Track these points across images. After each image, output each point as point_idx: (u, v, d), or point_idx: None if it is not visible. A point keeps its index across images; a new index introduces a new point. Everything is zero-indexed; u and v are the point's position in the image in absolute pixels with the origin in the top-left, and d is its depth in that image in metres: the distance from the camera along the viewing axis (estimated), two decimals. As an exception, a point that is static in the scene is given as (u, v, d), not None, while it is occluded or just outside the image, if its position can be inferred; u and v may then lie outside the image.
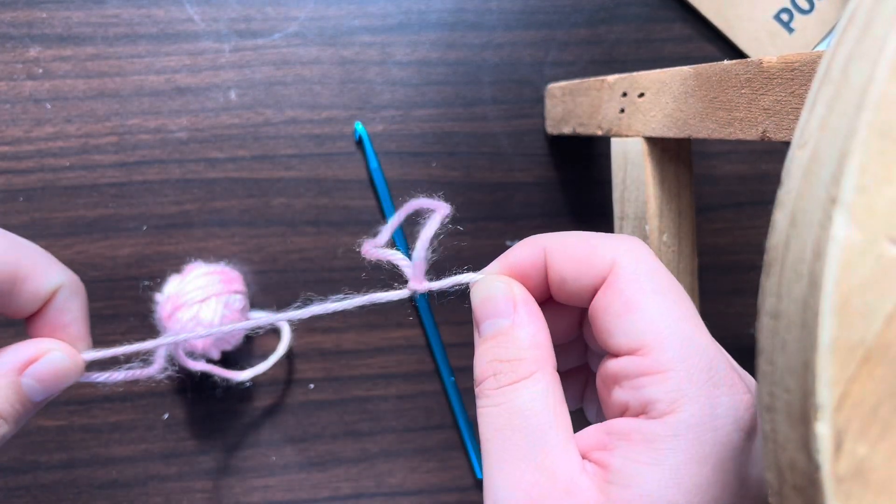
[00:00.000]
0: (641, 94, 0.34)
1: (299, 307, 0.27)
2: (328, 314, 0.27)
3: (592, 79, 0.39)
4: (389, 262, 0.27)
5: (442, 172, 0.44)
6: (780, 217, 0.15)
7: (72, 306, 0.26)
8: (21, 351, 0.25)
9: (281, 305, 0.43)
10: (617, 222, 0.37)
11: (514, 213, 0.45)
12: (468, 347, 0.27)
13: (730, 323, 0.47)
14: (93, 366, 0.27)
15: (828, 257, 0.13)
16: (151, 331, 0.41)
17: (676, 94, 0.32)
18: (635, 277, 0.23)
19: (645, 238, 0.35)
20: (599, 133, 0.38)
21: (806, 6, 0.45)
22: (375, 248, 0.27)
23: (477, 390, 0.24)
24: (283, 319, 0.27)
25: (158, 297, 0.40)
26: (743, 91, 0.28)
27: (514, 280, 0.25)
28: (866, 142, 0.13)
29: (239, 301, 0.40)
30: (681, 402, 0.21)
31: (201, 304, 0.38)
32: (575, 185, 0.45)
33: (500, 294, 0.25)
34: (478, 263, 0.27)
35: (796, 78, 0.26)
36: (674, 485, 0.20)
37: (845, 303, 0.13)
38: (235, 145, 0.43)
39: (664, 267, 0.24)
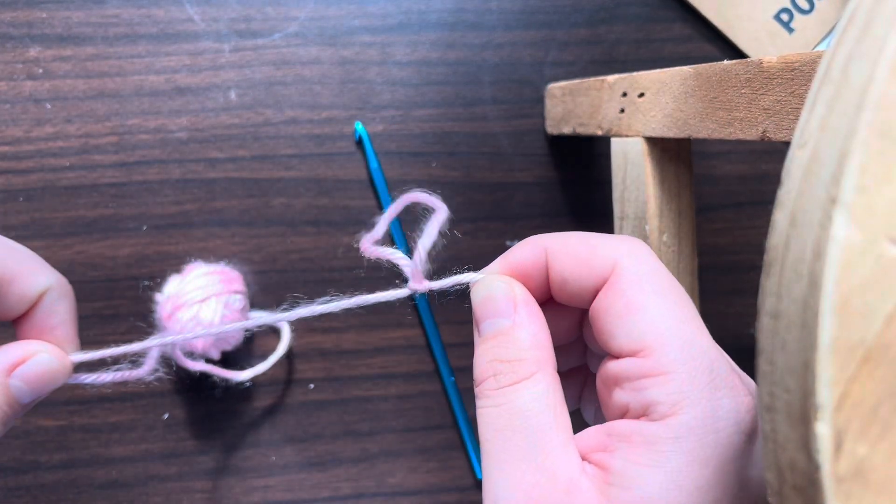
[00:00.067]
0: (641, 94, 0.34)
1: (295, 307, 0.27)
2: (328, 314, 0.27)
3: (592, 79, 0.39)
4: (389, 261, 0.27)
5: (442, 172, 0.44)
6: (780, 217, 0.15)
7: (59, 309, 0.26)
8: (9, 353, 0.25)
9: (281, 305, 0.43)
10: (617, 222, 0.37)
11: (514, 213, 0.45)
12: (468, 347, 0.27)
13: (730, 323, 0.47)
14: (81, 367, 0.27)
15: (828, 257, 0.13)
16: (151, 331, 0.41)
17: (676, 94, 0.32)
18: (637, 279, 0.23)
19: (645, 238, 0.35)
20: (599, 133, 0.38)
21: (806, 6, 0.45)
22: (374, 245, 0.27)
23: (477, 390, 0.24)
24: (283, 320, 0.27)
25: (158, 297, 0.40)
26: (743, 91, 0.28)
27: (515, 280, 0.25)
28: (866, 142, 0.13)
29: (239, 301, 0.40)
30: (682, 405, 0.21)
31: (201, 304, 0.38)
32: (575, 185, 0.45)
33: (501, 294, 0.25)
34: (478, 263, 0.27)
35: (796, 78, 0.26)
36: (674, 487, 0.20)
37: (845, 303, 0.13)
38: (235, 145, 0.43)
39: (665, 268, 0.24)
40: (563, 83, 0.42)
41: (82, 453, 0.43)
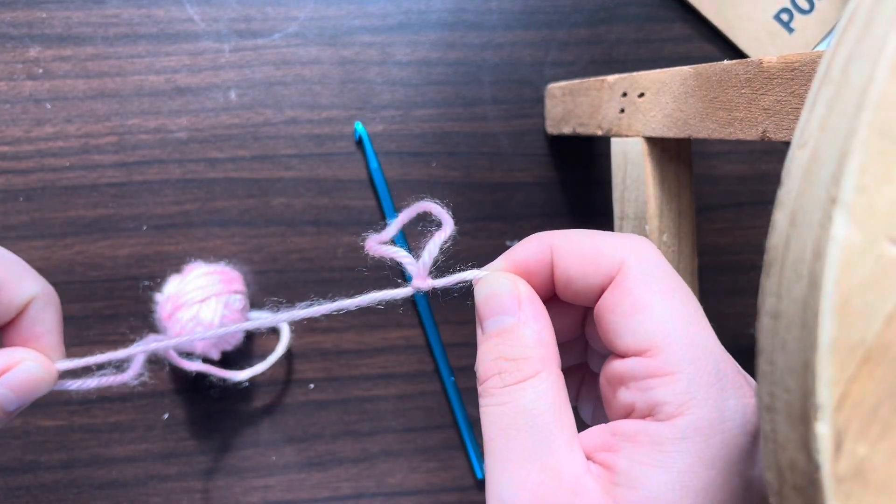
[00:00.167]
0: (641, 94, 0.34)
1: (295, 308, 0.27)
2: (328, 314, 0.27)
3: (592, 79, 0.39)
4: (392, 260, 0.27)
5: (442, 172, 0.44)
6: (780, 217, 0.15)
7: (45, 317, 0.26)
8: None
9: (281, 306, 0.43)
10: (617, 222, 0.37)
11: (514, 213, 0.45)
12: (468, 347, 0.27)
13: (730, 323, 0.47)
14: (66, 372, 0.27)
15: (828, 257, 0.13)
16: (151, 331, 0.41)
17: (676, 94, 0.32)
18: (644, 277, 0.23)
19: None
20: (599, 133, 0.38)
21: (806, 6, 0.45)
22: (378, 245, 0.27)
23: (480, 388, 0.24)
24: (284, 321, 0.27)
25: (158, 297, 0.40)
26: (743, 91, 0.28)
27: (519, 277, 0.25)
28: (866, 142, 0.13)
29: (239, 301, 0.40)
30: (689, 405, 0.21)
31: (201, 304, 0.38)
32: (575, 185, 0.45)
33: (505, 291, 0.24)
34: (478, 263, 0.27)
35: (796, 78, 0.26)
36: (680, 488, 0.20)
37: (845, 303, 0.13)
38: (235, 145, 0.43)
39: (672, 268, 0.24)
40: (563, 83, 0.42)
41: (82, 453, 0.43)
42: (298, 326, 0.43)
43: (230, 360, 0.42)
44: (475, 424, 0.45)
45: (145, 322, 0.42)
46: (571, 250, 0.24)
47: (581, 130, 0.40)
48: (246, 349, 0.43)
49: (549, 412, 0.22)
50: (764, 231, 0.39)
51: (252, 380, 0.41)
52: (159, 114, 0.42)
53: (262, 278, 0.43)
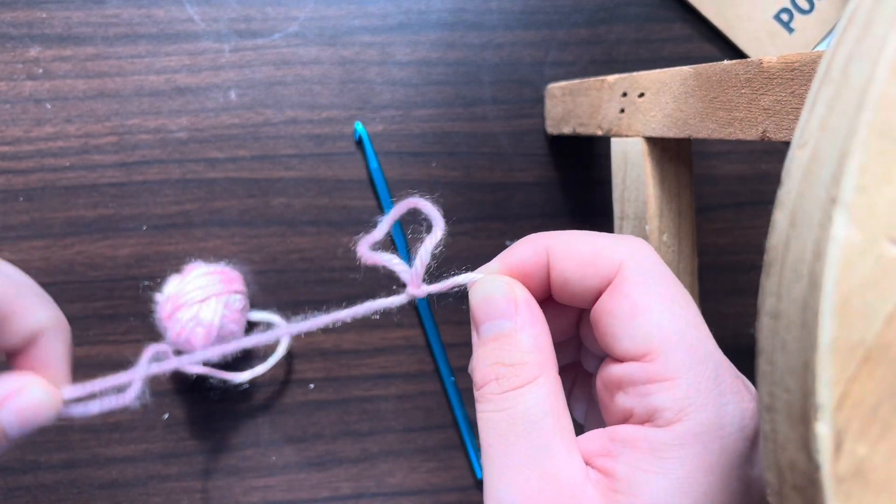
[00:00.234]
0: (641, 94, 0.34)
1: (293, 320, 0.27)
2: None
3: (592, 79, 0.39)
4: (385, 268, 0.27)
5: (442, 172, 0.44)
6: (780, 217, 0.15)
7: (54, 348, 0.25)
8: (1, 385, 0.24)
9: (281, 306, 0.43)
10: (617, 222, 0.37)
11: (514, 213, 0.45)
12: (468, 347, 0.27)
13: (730, 323, 0.47)
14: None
15: (828, 257, 0.13)
16: (151, 331, 0.41)
17: (676, 94, 0.32)
18: (642, 281, 0.23)
19: (645, 238, 0.35)
20: (599, 133, 0.38)
21: (806, 6, 0.45)
22: (371, 251, 0.27)
23: (477, 394, 0.24)
24: (281, 336, 0.27)
25: (158, 297, 0.40)
26: (743, 91, 0.28)
27: (515, 280, 0.25)
28: (866, 142, 0.13)
29: (239, 301, 0.40)
30: (688, 411, 0.21)
31: (201, 304, 0.38)
32: (575, 185, 0.45)
33: (501, 295, 0.24)
34: (477, 263, 0.27)
35: (796, 78, 0.26)
36: (680, 494, 0.20)
37: (845, 303, 0.13)
38: (235, 145, 0.43)
39: (670, 271, 0.24)
40: (563, 83, 0.42)
41: (82, 453, 0.43)
42: (298, 326, 0.43)
43: (230, 360, 0.42)
44: (475, 425, 0.45)
45: (145, 322, 0.42)
46: (568, 252, 0.24)
47: (581, 130, 0.40)
48: (246, 350, 0.43)
49: (547, 418, 0.22)
50: (764, 231, 0.39)
51: (252, 380, 0.41)
52: (159, 114, 0.42)
53: (262, 278, 0.43)
